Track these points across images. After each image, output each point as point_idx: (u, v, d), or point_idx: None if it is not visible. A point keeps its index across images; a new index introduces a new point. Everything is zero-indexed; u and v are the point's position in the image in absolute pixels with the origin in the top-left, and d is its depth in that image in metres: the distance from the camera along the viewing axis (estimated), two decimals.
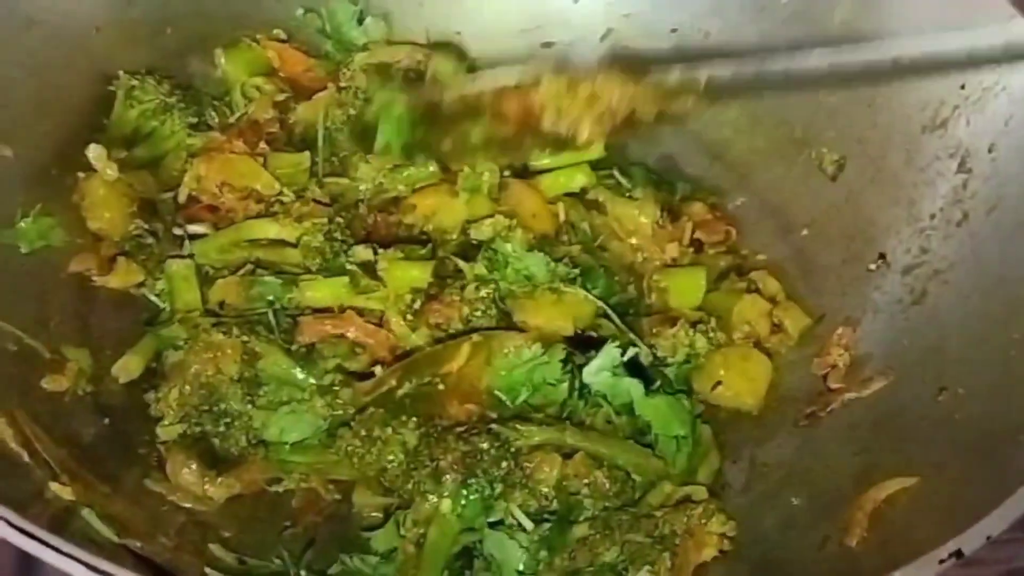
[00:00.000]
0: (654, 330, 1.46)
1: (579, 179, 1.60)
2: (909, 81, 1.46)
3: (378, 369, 1.38)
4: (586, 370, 1.35)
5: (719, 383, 1.44)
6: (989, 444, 1.20)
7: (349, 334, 1.40)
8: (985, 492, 1.09)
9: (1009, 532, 1.04)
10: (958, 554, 1.00)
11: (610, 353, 1.36)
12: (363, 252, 1.45)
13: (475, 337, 1.36)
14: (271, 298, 1.42)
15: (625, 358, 1.36)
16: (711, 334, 1.46)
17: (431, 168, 1.56)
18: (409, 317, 1.40)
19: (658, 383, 1.39)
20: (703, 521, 1.26)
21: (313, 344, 1.39)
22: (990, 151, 1.39)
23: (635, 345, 1.41)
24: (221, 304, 1.43)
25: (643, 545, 1.25)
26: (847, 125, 1.55)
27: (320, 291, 1.43)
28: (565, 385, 1.35)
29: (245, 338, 1.34)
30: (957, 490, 1.17)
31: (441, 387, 1.35)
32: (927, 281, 1.41)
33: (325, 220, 1.46)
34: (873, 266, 1.48)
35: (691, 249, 1.58)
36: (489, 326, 1.40)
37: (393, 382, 1.35)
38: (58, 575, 0.99)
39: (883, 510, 1.21)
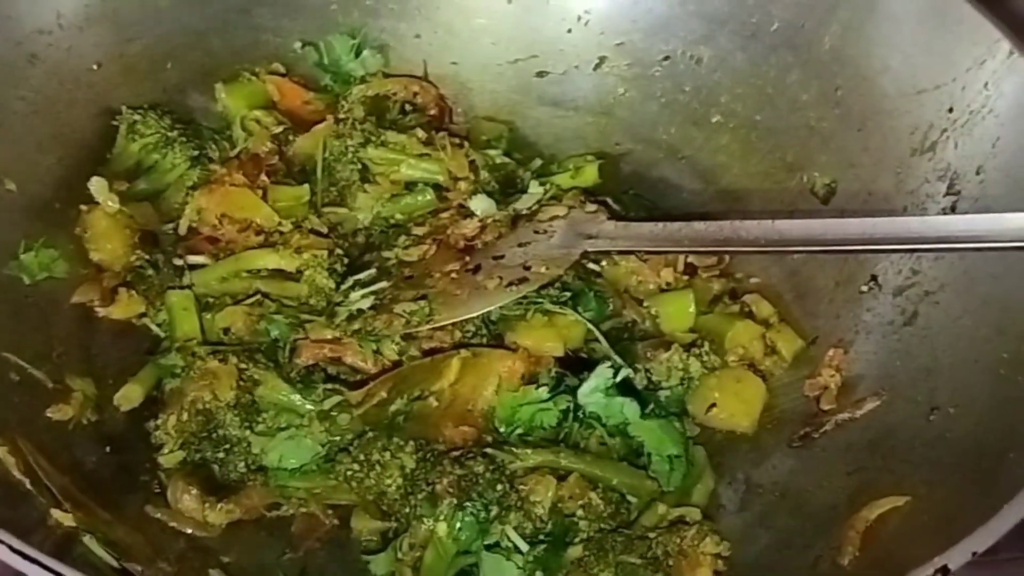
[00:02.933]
0: (648, 354, 1.47)
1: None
2: (899, 105, 1.48)
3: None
4: (580, 391, 1.36)
5: (713, 405, 1.45)
6: (979, 463, 1.20)
7: (346, 359, 1.41)
8: (975, 510, 1.09)
9: (1012, 551, 1.05)
10: (944, 570, 1.01)
11: (602, 374, 1.37)
12: (360, 300, 1.45)
13: (463, 352, 1.38)
14: (276, 335, 1.43)
15: (618, 379, 1.37)
16: (705, 357, 1.46)
17: (428, 196, 1.58)
18: (400, 341, 1.42)
19: (651, 406, 1.39)
20: (696, 542, 1.27)
21: (310, 367, 1.41)
22: (978, 173, 1.40)
23: (625, 367, 1.41)
24: (226, 330, 1.44)
25: (637, 566, 1.26)
26: (838, 149, 1.55)
27: (325, 334, 1.43)
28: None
29: (243, 365, 1.35)
30: (948, 508, 1.18)
31: (435, 404, 1.36)
32: (918, 302, 1.42)
33: (325, 252, 1.47)
34: (865, 288, 1.48)
35: (686, 277, 1.58)
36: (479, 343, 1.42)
37: (384, 393, 1.36)
38: None
39: (875, 529, 1.22)
